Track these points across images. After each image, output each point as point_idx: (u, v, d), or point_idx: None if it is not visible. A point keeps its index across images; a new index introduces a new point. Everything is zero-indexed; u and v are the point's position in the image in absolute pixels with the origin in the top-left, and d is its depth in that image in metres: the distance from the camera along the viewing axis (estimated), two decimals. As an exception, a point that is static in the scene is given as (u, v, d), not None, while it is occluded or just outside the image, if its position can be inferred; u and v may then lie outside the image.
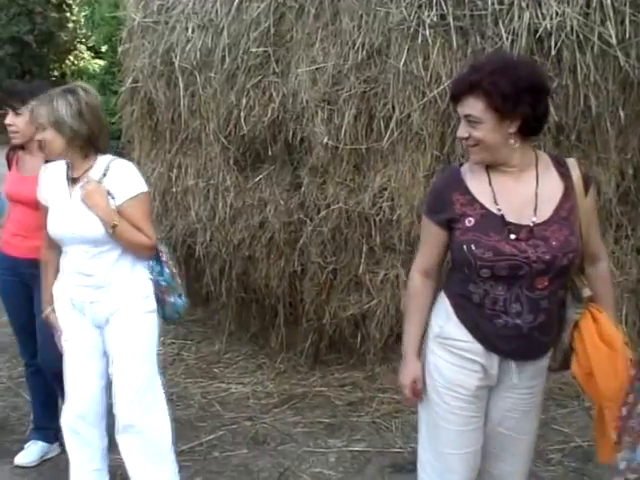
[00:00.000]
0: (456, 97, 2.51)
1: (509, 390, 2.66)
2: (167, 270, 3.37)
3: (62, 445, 3.73)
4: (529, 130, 2.49)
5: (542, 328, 2.53)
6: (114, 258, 3.27)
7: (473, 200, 2.53)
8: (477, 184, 2.55)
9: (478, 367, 2.60)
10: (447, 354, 2.63)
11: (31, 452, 4.13)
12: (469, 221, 2.51)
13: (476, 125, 2.46)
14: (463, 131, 2.51)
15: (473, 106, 2.44)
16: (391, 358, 5.07)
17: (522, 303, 2.49)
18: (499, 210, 2.50)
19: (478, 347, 2.58)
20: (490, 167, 2.55)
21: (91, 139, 3.26)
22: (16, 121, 3.82)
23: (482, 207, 2.52)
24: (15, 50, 23.72)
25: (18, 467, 4.06)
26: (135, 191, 3.25)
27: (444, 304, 2.64)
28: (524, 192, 2.51)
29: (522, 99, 2.40)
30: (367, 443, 4.33)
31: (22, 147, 3.94)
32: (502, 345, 2.55)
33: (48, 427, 4.13)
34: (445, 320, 2.63)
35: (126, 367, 3.33)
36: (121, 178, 3.25)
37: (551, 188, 2.52)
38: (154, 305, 3.37)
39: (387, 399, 4.81)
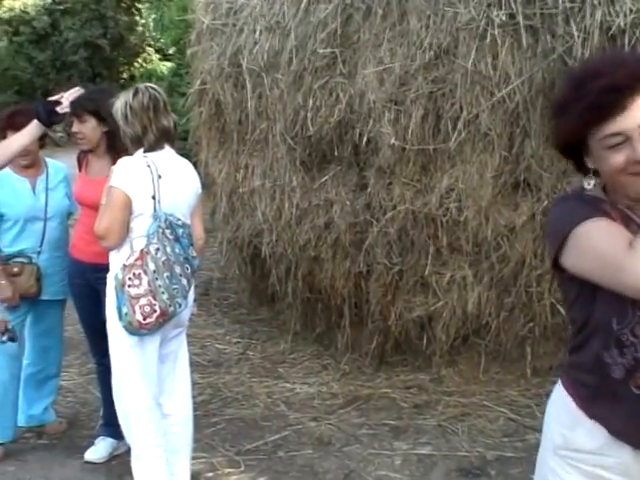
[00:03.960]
0: (619, 101, 1.73)
1: None
2: None
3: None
4: None
5: None
6: None
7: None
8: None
9: None
10: (576, 474, 1.93)
11: (100, 448, 4.20)
12: None
13: None
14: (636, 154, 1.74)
15: None
16: (457, 361, 5.03)
17: None
18: None
19: (625, 456, 1.85)
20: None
21: (136, 138, 3.42)
22: (82, 128, 3.89)
23: None
24: (88, 54, 24.26)
25: (88, 463, 4.13)
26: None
27: (564, 401, 1.96)
28: None
29: None
30: (433, 446, 4.29)
31: (91, 150, 4.00)
32: None
33: (117, 424, 4.17)
34: (571, 425, 1.93)
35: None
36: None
37: None
38: None
39: (453, 402, 4.76)
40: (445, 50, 4.47)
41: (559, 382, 1.99)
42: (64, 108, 3.71)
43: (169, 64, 21.90)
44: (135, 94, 3.41)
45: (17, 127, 3.80)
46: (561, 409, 1.96)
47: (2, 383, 4.04)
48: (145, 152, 3.40)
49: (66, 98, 3.70)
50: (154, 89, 3.49)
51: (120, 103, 3.42)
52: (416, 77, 4.54)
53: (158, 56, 27.85)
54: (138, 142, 3.42)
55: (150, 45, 28.18)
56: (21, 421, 4.35)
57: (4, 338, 3.95)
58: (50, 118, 3.67)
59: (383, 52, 4.64)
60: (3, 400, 4.08)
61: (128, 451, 4.00)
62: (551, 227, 1.92)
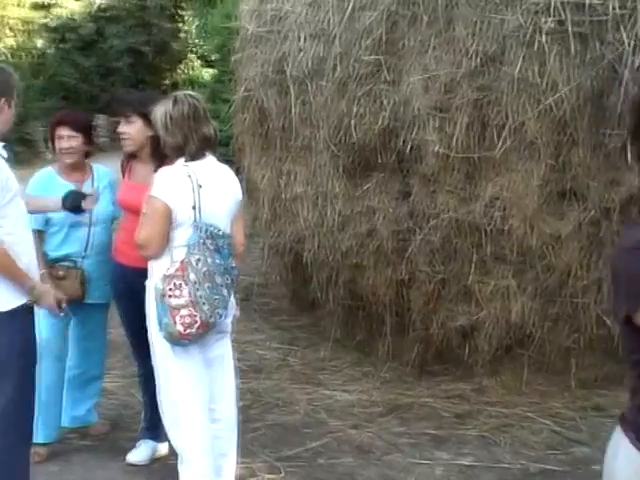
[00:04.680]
0: None
1: None
2: None
3: (172, 445, 3.79)
4: None
5: None
6: None
7: None
8: None
9: None
10: None
11: (142, 451, 4.22)
12: None
13: None
14: None
15: None
16: (499, 371, 4.98)
17: None
18: None
19: None
20: None
21: (177, 148, 3.41)
22: (128, 129, 3.93)
23: None
24: (131, 60, 24.56)
25: (130, 465, 4.15)
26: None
27: (633, 456, 1.77)
28: None
29: None
30: (475, 457, 4.24)
31: (134, 155, 4.03)
32: None
33: (159, 426, 4.19)
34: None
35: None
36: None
37: None
38: None
39: (495, 413, 4.71)
40: (492, 57, 4.44)
41: (619, 431, 1.81)
42: (88, 206, 3.90)
43: (211, 71, 22.09)
44: (175, 103, 3.40)
45: (65, 124, 4.10)
46: (631, 467, 1.77)
47: (47, 384, 4.07)
48: (186, 161, 3.38)
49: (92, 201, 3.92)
50: (193, 97, 3.48)
51: (159, 112, 3.41)
52: (462, 84, 4.52)
53: (200, 63, 28.11)
54: (179, 151, 3.41)
55: (192, 52, 28.46)
56: (65, 422, 4.39)
57: (61, 314, 4.01)
58: (72, 208, 3.88)
59: (428, 59, 4.62)
60: (48, 401, 4.11)
61: (170, 454, 4.04)
62: (628, 278, 1.75)
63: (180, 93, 3.52)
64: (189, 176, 3.30)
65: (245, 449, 4.16)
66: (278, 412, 4.82)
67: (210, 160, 3.46)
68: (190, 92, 3.60)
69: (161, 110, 3.41)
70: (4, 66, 3.56)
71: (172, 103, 3.40)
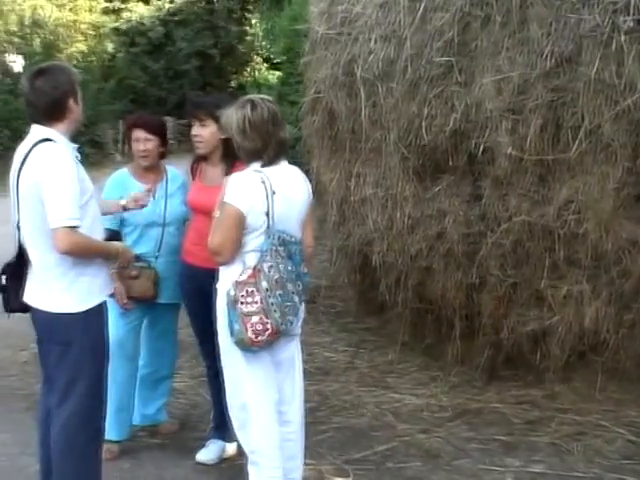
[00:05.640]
0: None
1: None
2: None
3: (240, 445, 3.81)
4: None
5: None
6: None
7: None
8: None
9: None
10: None
11: (211, 450, 4.26)
12: None
13: None
14: None
15: None
16: (572, 378, 4.88)
17: None
18: None
19: None
20: None
21: (254, 152, 3.35)
22: (202, 132, 3.96)
23: None
24: (199, 63, 24.92)
25: (199, 464, 4.19)
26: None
27: None
28: None
29: None
30: (546, 465, 4.16)
31: (205, 158, 4.06)
32: None
33: (227, 427, 4.20)
34: None
35: None
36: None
37: None
38: None
39: (568, 420, 4.62)
40: (567, 58, 4.36)
41: None
42: (142, 201, 3.92)
43: (277, 73, 22.25)
44: (253, 107, 3.32)
45: (141, 126, 4.19)
46: None
47: (120, 383, 4.14)
48: (263, 166, 3.33)
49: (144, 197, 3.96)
50: (270, 101, 3.42)
51: (237, 117, 3.33)
52: (536, 86, 4.45)
53: (266, 65, 28.38)
54: (256, 156, 3.35)
55: (258, 54, 28.75)
56: (135, 420, 4.46)
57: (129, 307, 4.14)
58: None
59: (502, 60, 4.56)
60: (121, 399, 4.19)
61: (238, 454, 4.06)
62: None
63: (255, 97, 3.45)
64: (263, 182, 3.25)
65: (312, 451, 4.17)
66: (345, 415, 4.82)
67: (283, 164, 3.42)
68: (264, 96, 3.53)
69: (238, 114, 3.33)
70: (63, 64, 3.63)
71: (250, 107, 3.32)
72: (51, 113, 3.24)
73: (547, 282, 4.68)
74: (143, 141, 4.18)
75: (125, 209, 3.89)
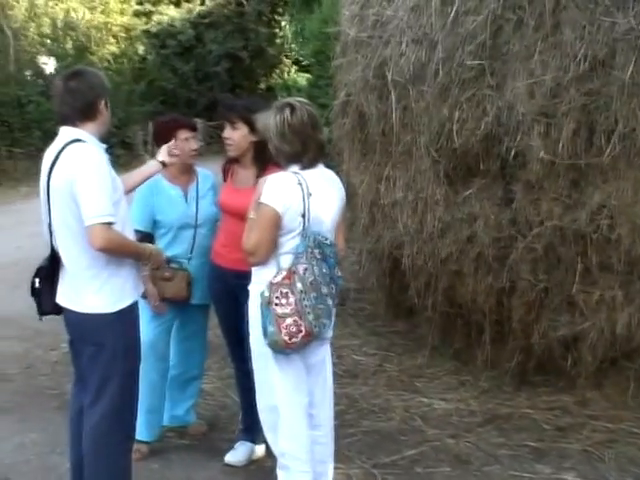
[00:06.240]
0: None
1: None
2: None
3: (268, 447, 3.81)
4: None
5: None
6: None
7: None
8: None
9: None
10: None
11: (240, 452, 4.26)
12: None
13: None
14: None
15: None
16: (604, 384, 4.83)
17: None
18: None
19: None
20: None
21: (293, 156, 3.35)
22: (233, 135, 3.95)
23: None
24: (229, 65, 25.02)
25: (227, 465, 4.20)
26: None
27: None
28: None
29: None
30: (578, 472, 4.12)
31: (237, 160, 4.05)
32: None
33: (256, 429, 4.21)
34: None
35: None
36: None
37: None
38: None
39: (599, 427, 4.57)
40: (601, 61, 4.32)
41: None
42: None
43: (306, 75, 22.28)
44: (293, 111, 3.32)
45: (185, 127, 4.23)
46: None
47: (150, 383, 4.16)
48: (301, 169, 3.33)
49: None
50: (308, 104, 3.42)
51: (276, 120, 3.33)
52: (568, 89, 4.41)
53: (295, 67, 28.42)
54: (295, 159, 3.35)
55: (288, 57, 28.80)
56: (165, 420, 4.48)
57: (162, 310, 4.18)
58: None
59: (534, 64, 4.53)
60: (152, 400, 4.21)
61: (267, 456, 4.07)
62: None
63: (293, 100, 3.44)
64: (300, 184, 3.26)
65: (341, 454, 4.16)
66: (374, 418, 4.80)
67: (320, 167, 3.42)
68: (302, 99, 3.52)
69: (277, 118, 3.33)
70: (94, 70, 3.66)
71: (290, 111, 3.32)
72: (86, 113, 3.28)
73: (579, 287, 4.63)
74: (191, 140, 4.19)
75: (164, 165, 3.87)
